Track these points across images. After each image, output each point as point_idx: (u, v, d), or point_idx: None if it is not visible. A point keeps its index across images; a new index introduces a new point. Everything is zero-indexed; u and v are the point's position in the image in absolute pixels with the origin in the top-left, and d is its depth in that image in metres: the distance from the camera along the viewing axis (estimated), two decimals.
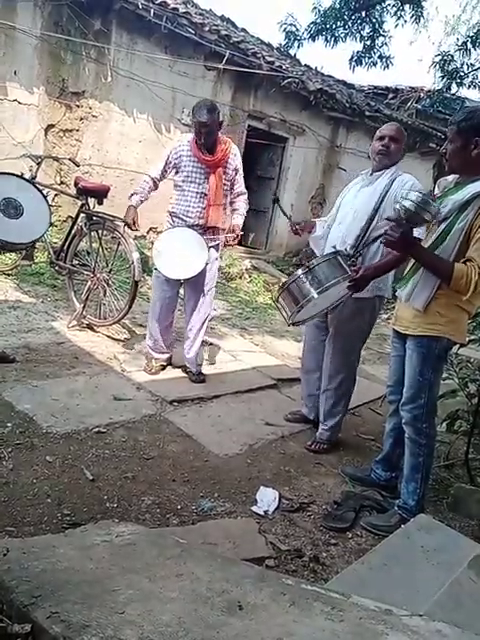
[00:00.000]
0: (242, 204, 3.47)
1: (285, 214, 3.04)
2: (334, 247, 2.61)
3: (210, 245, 3.30)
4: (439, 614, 1.40)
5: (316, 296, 2.40)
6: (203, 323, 3.49)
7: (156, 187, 3.42)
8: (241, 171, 3.42)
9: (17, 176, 3.64)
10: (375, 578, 1.75)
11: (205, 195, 3.24)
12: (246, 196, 3.50)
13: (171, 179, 3.41)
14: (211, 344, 4.37)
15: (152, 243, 3.45)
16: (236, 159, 3.34)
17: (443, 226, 2.15)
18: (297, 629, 1.09)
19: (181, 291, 3.54)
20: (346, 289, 2.54)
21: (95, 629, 0.99)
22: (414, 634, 1.15)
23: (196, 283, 3.37)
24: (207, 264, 3.28)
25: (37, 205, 3.59)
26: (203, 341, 3.65)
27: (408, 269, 2.30)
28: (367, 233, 2.68)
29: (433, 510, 2.56)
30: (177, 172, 3.31)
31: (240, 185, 3.44)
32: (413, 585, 1.72)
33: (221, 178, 3.26)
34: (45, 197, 3.68)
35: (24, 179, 3.66)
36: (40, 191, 3.67)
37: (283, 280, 7.32)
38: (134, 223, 3.34)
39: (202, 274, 3.28)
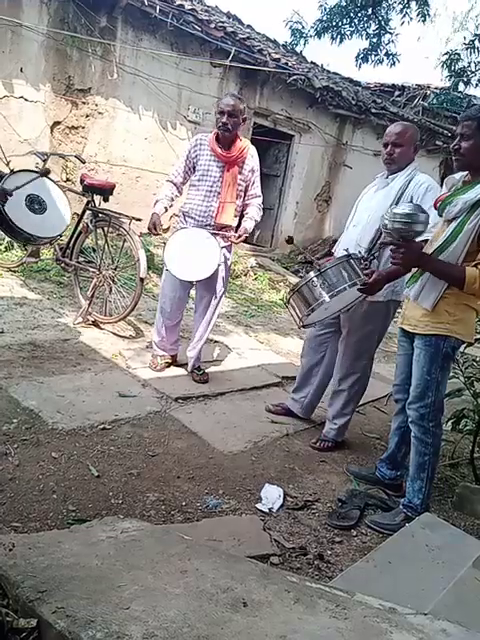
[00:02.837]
0: (255, 208, 3.39)
1: (305, 255, 3.03)
2: (346, 250, 2.58)
3: (222, 245, 3.28)
4: (443, 613, 1.40)
5: (328, 299, 2.39)
6: (210, 324, 3.48)
7: (180, 192, 3.39)
8: (258, 173, 3.37)
9: (39, 173, 3.70)
10: (380, 576, 1.75)
11: (218, 193, 3.21)
12: (260, 200, 3.43)
13: None
14: (216, 342, 4.37)
15: (163, 242, 3.40)
16: (253, 160, 3.31)
17: (453, 226, 2.13)
18: (301, 626, 1.10)
19: (192, 291, 3.54)
20: (358, 293, 2.53)
21: (100, 624, 0.99)
22: (418, 633, 1.15)
23: (208, 284, 3.34)
24: (219, 265, 3.24)
25: (58, 202, 3.67)
26: (208, 339, 3.64)
27: (417, 268, 2.29)
28: (381, 236, 2.63)
29: (438, 509, 2.56)
30: (194, 170, 3.29)
31: (256, 187, 3.38)
32: (418, 584, 1.72)
33: (235, 177, 3.23)
34: (65, 194, 3.75)
35: (45, 176, 3.72)
36: (60, 188, 3.74)
37: (290, 279, 7.35)
38: (155, 228, 3.27)
39: (214, 275, 3.25)
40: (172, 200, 3.35)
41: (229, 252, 3.41)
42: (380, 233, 2.64)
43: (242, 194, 3.34)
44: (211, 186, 3.22)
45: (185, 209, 3.32)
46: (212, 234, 3.22)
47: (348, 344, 2.88)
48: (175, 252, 3.20)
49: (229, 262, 3.45)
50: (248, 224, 3.36)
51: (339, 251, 2.79)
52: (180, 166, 3.32)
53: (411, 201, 2.54)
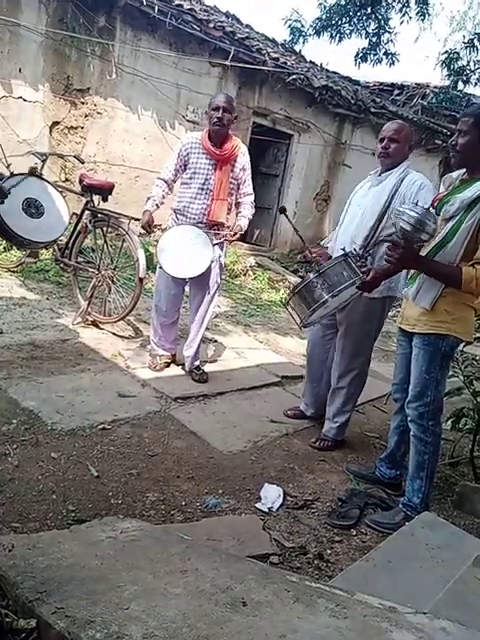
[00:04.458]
0: (248, 206, 3.43)
1: (294, 228, 3.07)
2: (343, 249, 2.60)
3: (215, 243, 3.29)
4: (443, 612, 1.40)
5: (329, 300, 2.41)
6: (204, 321, 3.48)
7: (171, 190, 3.43)
8: (249, 171, 3.40)
9: (37, 176, 3.68)
10: (379, 575, 1.75)
11: (210, 191, 3.24)
12: (253, 198, 3.46)
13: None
14: (215, 341, 4.37)
15: (157, 240, 3.43)
16: (244, 158, 3.34)
17: (450, 225, 2.13)
18: (301, 626, 1.09)
19: (186, 288, 3.55)
20: (356, 290, 2.54)
21: (100, 625, 0.99)
22: (418, 632, 1.15)
23: (201, 281, 3.36)
24: (212, 262, 3.27)
25: (56, 205, 3.65)
26: (206, 338, 3.64)
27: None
28: (376, 232, 2.67)
29: (438, 508, 2.56)
30: (185, 168, 3.31)
31: (248, 185, 3.41)
32: (417, 583, 1.72)
33: (227, 174, 3.25)
34: (63, 197, 3.73)
35: (44, 179, 3.71)
36: (59, 191, 3.72)
37: (289, 278, 7.35)
38: (149, 226, 3.30)
39: (207, 272, 3.27)
40: (164, 198, 3.39)
41: (222, 249, 3.43)
42: (375, 230, 2.67)
43: (234, 192, 3.37)
44: (203, 184, 3.24)
45: (177, 207, 3.34)
46: (205, 231, 3.24)
47: (346, 342, 2.90)
48: (168, 249, 3.22)
49: (222, 259, 3.47)
50: (242, 222, 3.39)
51: (336, 250, 2.80)
52: (171, 164, 3.35)
53: (404, 199, 2.58)
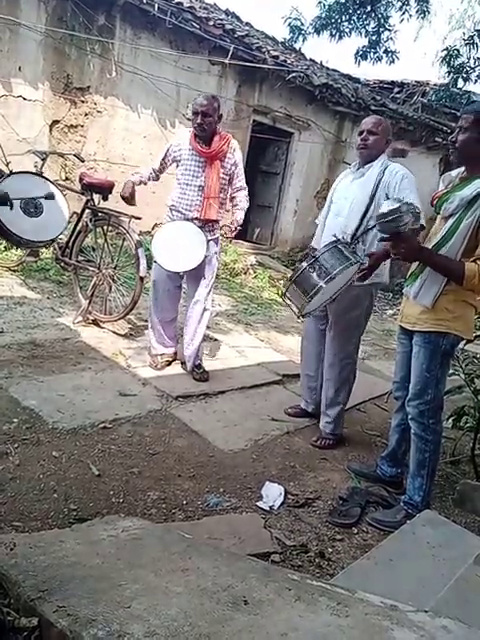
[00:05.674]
0: (242, 199, 3.45)
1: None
2: (334, 235, 2.67)
3: (209, 238, 3.31)
4: (445, 610, 1.40)
5: (324, 285, 2.43)
6: (202, 317, 3.47)
7: (157, 178, 3.47)
8: (241, 166, 3.42)
9: (37, 175, 3.68)
10: (381, 574, 1.75)
11: (202, 188, 3.25)
12: (246, 192, 3.49)
13: (171, 173, 3.45)
14: (216, 340, 4.37)
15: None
16: (235, 154, 3.35)
17: (450, 223, 2.13)
18: (302, 624, 1.10)
19: (184, 286, 3.55)
20: (350, 275, 2.59)
21: (101, 623, 0.99)
22: (419, 630, 1.15)
23: (196, 276, 3.37)
24: (206, 257, 3.28)
25: (56, 204, 3.63)
26: (207, 337, 3.64)
27: (415, 266, 2.29)
28: (364, 222, 2.75)
29: (439, 506, 2.56)
30: (178, 166, 3.34)
31: (240, 180, 3.43)
32: (419, 581, 1.72)
33: (218, 171, 3.26)
34: (64, 196, 3.72)
35: (44, 178, 3.70)
36: (59, 190, 3.71)
37: (289, 274, 7.34)
38: (131, 197, 3.31)
39: (201, 267, 3.29)
40: (148, 179, 3.43)
41: (216, 245, 3.44)
42: (362, 219, 2.76)
43: (226, 187, 3.38)
44: (195, 182, 3.27)
45: (172, 204, 3.36)
46: (198, 226, 3.26)
47: (336, 331, 2.93)
48: (162, 244, 3.25)
49: (217, 255, 3.49)
50: (238, 215, 3.42)
51: (325, 240, 2.84)
52: (159, 159, 3.40)
53: (388, 187, 2.69)
